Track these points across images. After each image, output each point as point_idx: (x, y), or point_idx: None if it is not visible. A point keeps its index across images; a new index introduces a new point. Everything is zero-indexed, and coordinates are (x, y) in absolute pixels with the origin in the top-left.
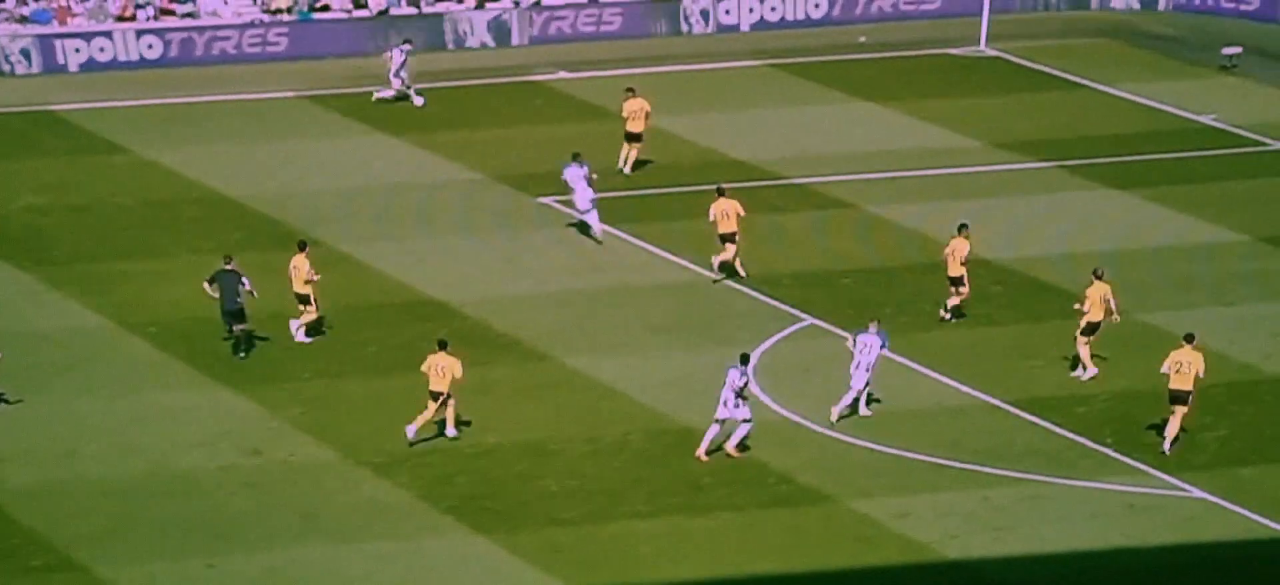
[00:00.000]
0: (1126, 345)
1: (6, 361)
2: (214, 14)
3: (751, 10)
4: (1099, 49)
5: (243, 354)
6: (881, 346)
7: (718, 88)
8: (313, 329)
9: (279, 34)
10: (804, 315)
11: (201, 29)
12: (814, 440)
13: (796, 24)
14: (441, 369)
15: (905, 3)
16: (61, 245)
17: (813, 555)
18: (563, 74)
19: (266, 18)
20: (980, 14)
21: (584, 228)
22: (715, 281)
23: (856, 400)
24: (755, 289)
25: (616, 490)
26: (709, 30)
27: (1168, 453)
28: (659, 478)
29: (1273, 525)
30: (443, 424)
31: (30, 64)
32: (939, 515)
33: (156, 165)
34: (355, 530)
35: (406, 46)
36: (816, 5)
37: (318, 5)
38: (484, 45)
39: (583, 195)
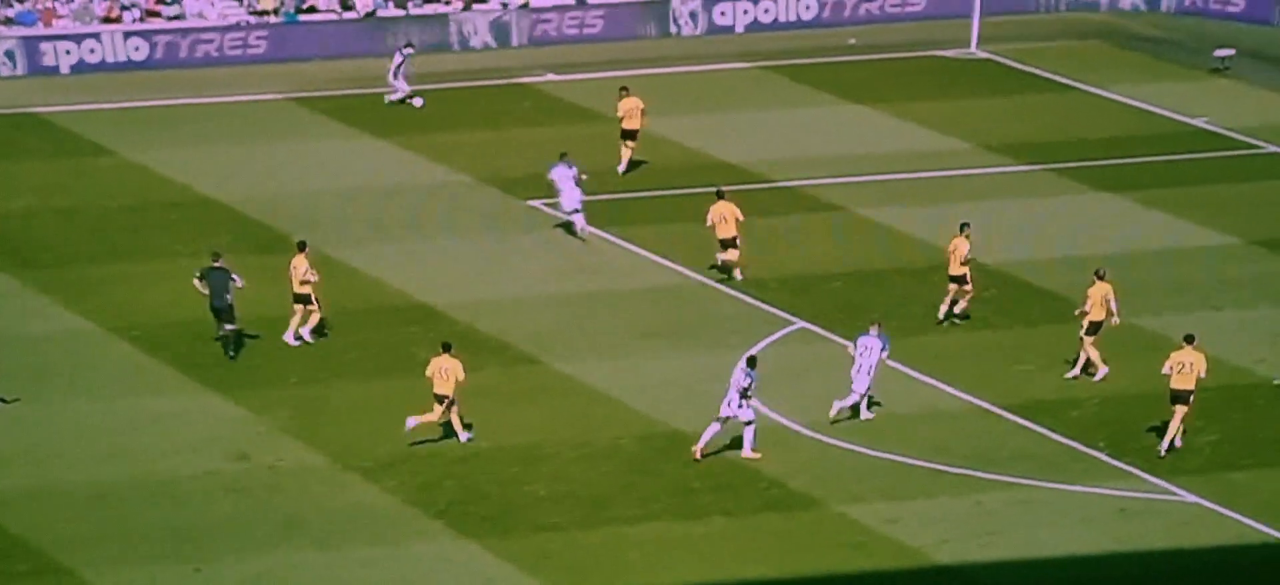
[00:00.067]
0: (1118, 348)
1: None
2: (200, 16)
3: (745, 11)
4: (1090, 51)
5: (232, 354)
6: (882, 349)
7: (707, 90)
8: (317, 330)
9: (262, 36)
10: (794, 319)
11: (187, 31)
12: (805, 444)
13: (787, 26)
14: (445, 371)
15: (891, 4)
16: (47, 249)
17: (804, 560)
18: (551, 76)
19: (252, 20)
20: (971, 16)
21: (570, 228)
22: (720, 282)
23: (857, 404)
24: (745, 292)
25: (606, 495)
26: (698, 32)
27: (1164, 455)
28: (649, 483)
29: (1265, 529)
30: (448, 426)
31: (15, 66)
32: (930, 520)
33: (143, 168)
34: (343, 535)
35: (408, 50)
36: (807, 7)
37: (304, 7)
38: (486, 46)
39: (570, 195)
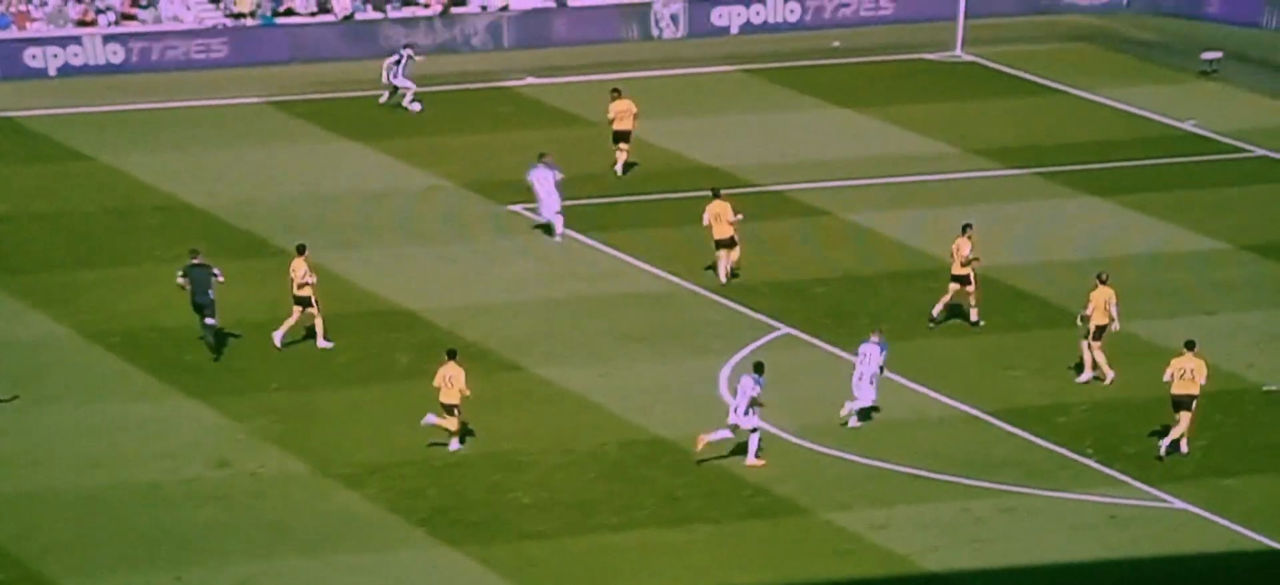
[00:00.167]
0: (1107, 354)
1: None
2: (175, 19)
3: (737, 14)
4: (1077, 54)
5: (215, 351)
6: (881, 356)
7: (690, 93)
8: (322, 331)
9: (240, 39)
10: (779, 325)
11: (163, 34)
12: (791, 451)
13: (775, 28)
14: (450, 379)
15: (867, 7)
16: (25, 254)
17: (790, 568)
18: (531, 79)
19: (229, 23)
20: (956, 19)
21: (550, 231)
22: (725, 282)
23: (868, 409)
24: (729, 297)
25: (590, 502)
26: (680, 35)
27: (1164, 456)
28: (633, 489)
29: (1255, 536)
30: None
31: None
32: (918, 527)
33: (121, 172)
34: (325, 543)
35: (408, 51)
36: (791, 10)
37: (281, 10)
38: (467, 49)
39: (549, 197)
